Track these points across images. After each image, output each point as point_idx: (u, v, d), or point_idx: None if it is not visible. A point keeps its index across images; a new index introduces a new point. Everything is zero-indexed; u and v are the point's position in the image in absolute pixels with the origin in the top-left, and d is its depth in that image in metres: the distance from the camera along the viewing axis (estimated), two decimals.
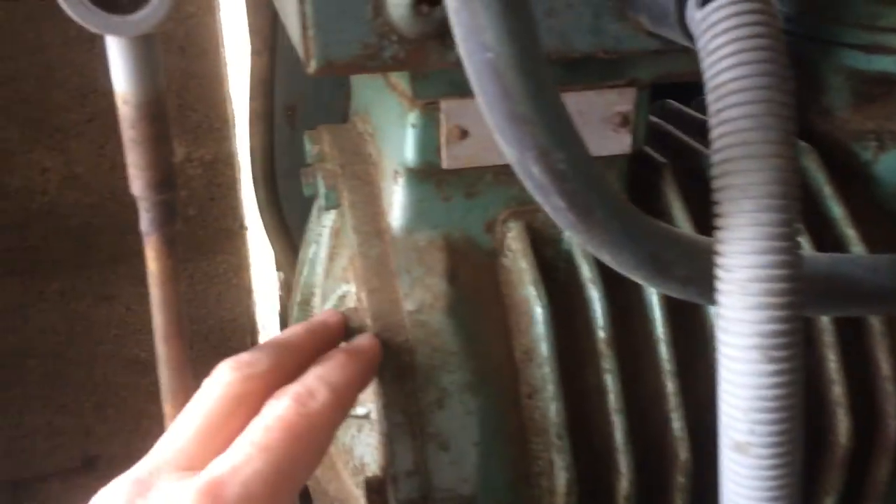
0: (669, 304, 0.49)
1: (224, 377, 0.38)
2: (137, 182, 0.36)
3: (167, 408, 0.41)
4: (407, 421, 0.46)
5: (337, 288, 0.55)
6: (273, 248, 0.92)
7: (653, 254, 0.35)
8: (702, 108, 0.65)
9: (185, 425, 0.37)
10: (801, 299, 0.33)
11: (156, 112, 0.34)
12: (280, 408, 0.37)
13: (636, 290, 0.50)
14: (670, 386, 0.48)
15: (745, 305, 0.33)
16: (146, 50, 0.33)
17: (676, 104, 0.66)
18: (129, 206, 1.29)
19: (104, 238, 1.27)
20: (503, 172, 0.49)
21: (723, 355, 0.34)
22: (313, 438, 0.37)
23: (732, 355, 0.34)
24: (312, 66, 0.39)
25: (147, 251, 0.37)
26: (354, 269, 0.50)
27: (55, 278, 1.28)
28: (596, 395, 0.49)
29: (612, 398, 0.48)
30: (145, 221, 0.37)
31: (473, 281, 0.49)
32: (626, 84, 0.46)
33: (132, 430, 1.42)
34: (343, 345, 0.44)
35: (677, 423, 0.48)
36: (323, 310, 0.58)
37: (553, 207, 0.32)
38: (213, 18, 1.17)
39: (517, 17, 0.27)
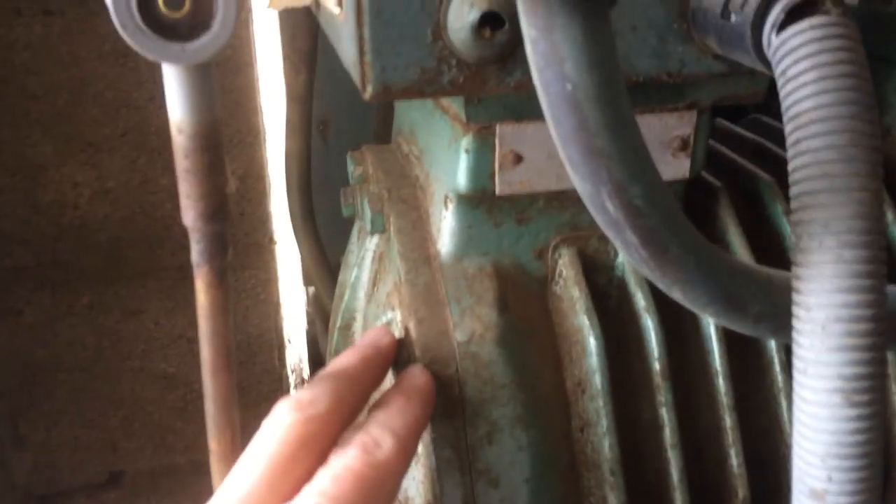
0: (727, 336, 0.47)
1: (285, 418, 0.37)
2: (190, 212, 0.35)
3: (213, 444, 0.40)
4: (456, 456, 0.44)
5: (381, 314, 0.53)
6: (304, 261, 0.91)
7: (727, 291, 0.33)
8: (752, 127, 0.64)
9: (248, 470, 0.36)
10: (886, 339, 0.31)
11: (211, 142, 0.33)
12: (348, 458, 0.36)
13: (691, 320, 0.49)
14: (728, 420, 0.47)
15: (826, 347, 0.31)
16: (203, 78, 0.32)
17: (726, 123, 0.65)
18: (159, 220, 1.29)
19: (133, 253, 1.27)
20: (556, 198, 0.47)
21: (800, 398, 0.33)
22: (381, 488, 0.36)
23: (811, 398, 0.32)
24: (369, 92, 0.38)
25: (197, 283, 0.36)
26: (401, 296, 0.49)
27: (84, 292, 1.28)
28: (650, 429, 0.47)
29: (668, 433, 0.46)
30: (196, 253, 0.36)
31: (524, 309, 0.47)
32: (686, 107, 0.44)
33: (158, 446, 1.41)
34: (398, 382, 0.42)
35: (735, 460, 0.47)
36: None
37: (625, 243, 0.31)
38: (246, 32, 1.16)
39: (599, 46, 0.26)
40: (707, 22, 0.38)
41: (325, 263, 0.83)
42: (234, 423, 0.40)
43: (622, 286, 0.49)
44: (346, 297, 0.58)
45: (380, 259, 0.55)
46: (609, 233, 0.31)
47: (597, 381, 0.46)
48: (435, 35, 0.37)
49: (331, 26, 0.47)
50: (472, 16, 0.36)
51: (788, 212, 0.50)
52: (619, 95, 0.27)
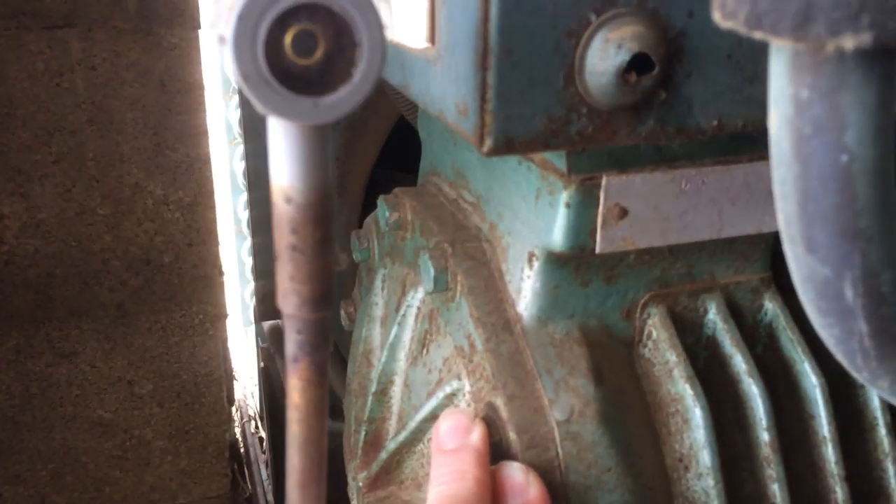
0: (833, 399, 0.44)
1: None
2: (292, 298, 0.28)
3: None
4: None
5: (436, 381, 0.47)
6: None
7: None
8: None
9: None
10: None
11: (325, 213, 0.27)
12: None
13: (787, 381, 0.45)
14: (840, 493, 0.43)
15: None
16: (322, 137, 0.26)
17: None
18: (97, 254, 1.17)
19: (67, 290, 1.15)
20: (647, 252, 0.43)
21: None
22: None
23: None
24: (488, 145, 0.32)
25: (291, 380, 0.29)
26: (474, 365, 0.43)
27: (11, 335, 1.15)
28: None
29: None
30: (294, 345, 0.29)
31: (616, 378, 0.42)
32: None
33: (93, 499, 1.29)
34: (514, 501, 0.36)
35: None
36: (410, 403, 0.51)
37: (847, 332, 0.26)
38: (196, 51, 1.07)
39: (888, 113, 0.21)
40: None
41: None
42: None
43: (712, 346, 0.45)
44: (382, 359, 0.52)
45: (430, 318, 0.49)
46: (826, 320, 0.26)
47: (705, 457, 0.41)
48: (567, 80, 0.32)
49: (392, 58, 0.40)
50: (621, 58, 0.31)
51: None
52: (892, 168, 0.22)
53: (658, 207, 0.40)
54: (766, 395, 0.42)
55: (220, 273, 1.23)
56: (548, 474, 0.39)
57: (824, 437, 0.43)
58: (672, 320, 0.43)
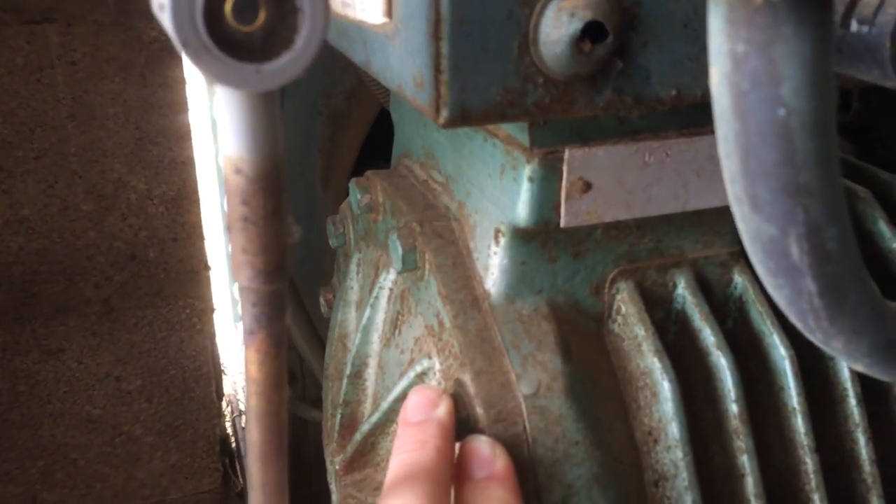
0: (802, 371, 0.44)
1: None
2: (245, 270, 0.28)
3: None
4: None
5: (408, 361, 0.47)
6: None
7: (890, 339, 0.29)
8: None
9: None
10: None
11: (275, 184, 0.27)
12: None
13: (758, 355, 0.45)
14: (810, 463, 0.43)
15: None
16: (270, 105, 0.26)
17: None
18: (81, 249, 1.17)
19: (52, 286, 1.15)
20: (614, 227, 0.43)
21: None
22: None
23: None
24: (444, 116, 0.32)
25: (248, 353, 0.29)
26: (443, 343, 0.43)
27: None
28: (726, 477, 0.43)
29: (751, 482, 0.42)
30: (250, 317, 0.29)
31: (585, 353, 0.42)
32: None
33: (83, 496, 1.28)
34: (476, 480, 0.36)
35: None
36: (384, 385, 0.51)
37: (796, 291, 0.26)
38: (171, 44, 1.07)
39: (825, 64, 0.21)
40: None
41: (296, 295, 0.76)
42: None
43: (681, 321, 0.45)
44: (356, 341, 0.52)
45: (402, 298, 0.49)
46: (775, 280, 0.26)
47: (673, 429, 0.41)
48: (522, 49, 0.32)
49: (354, 37, 0.40)
50: (574, 26, 0.31)
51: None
52: (833, 121, 0.22)
53: (622, 180, 0.40)
54: (734, 367, 0.42)
55: (207, 267, 1.23)
56: (515, 448, 0.39)
57: (794, 409, 0.43)
58: (641, 295, 0.43)
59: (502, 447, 0.38)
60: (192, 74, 1.11)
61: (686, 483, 0.41)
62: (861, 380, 0.45)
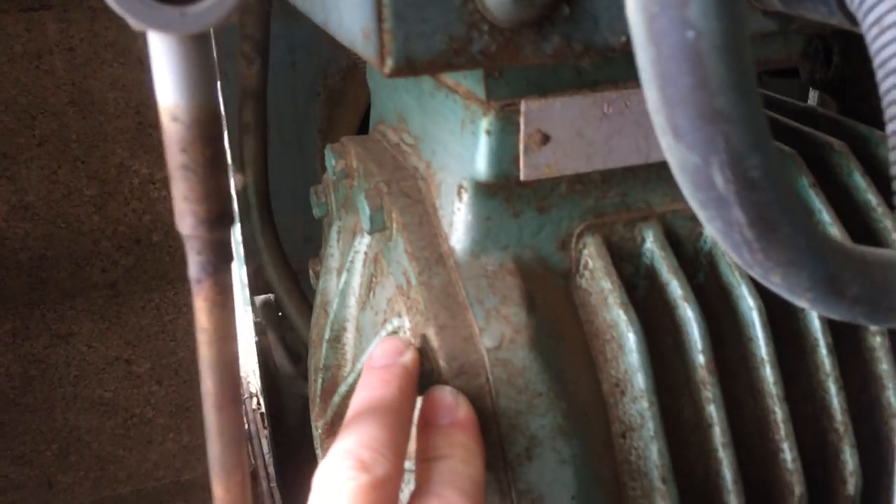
0: (773, 323, 0.44)
1: (349, 484, 0.31)
2: (187, 218, 0.28)
3: (220, 490, 0.33)
4: (494, 477, 0.39)
5: (381, 322, 0.48)
6: (266, 266, 0.84)
7: (830, 274, 0.29)
8: None
9: None
10: None
11: (213, 131, 0.27)
12: None
13: (727, 307, 0.45)
14: (779, 412, 0.43)
15: None
16: (203, 52, 0.26)
17: None
18: (86, 234, 1.19)
19: (59, 271, 1.16)
20: (579, 181, 0.43)
21: None
22: None
23: None
24: (389, 66, 0.32)
25: (197, 302, 0.30)
26: (410, 300, 0.43)
27: (6, 318, 1.17)
28: (696, 428, 0.43)
29: (718, 431, 0.42)
30: (195, 266, 0.29)
31: (551, 307, 0.43)
32: None
33: (98, 478, 1.31)
34: (439, 427, 0.37)
35: (790, 454, 0.43)
36: (361, 347, 0.51)
37: (727, 223, 0.26)
38: None
39: None
40: None
41: (287, 268, 0.77)
42: (244, 464, 0.34)
43: (651, 274, 0.45)
44: (334, 306, 0.52)
45: (375, 261, 0.49)
46: (707, 212, 0.27)
47: (639, 380, 0.41)
48: None
49: None
50: None
51: (814, 184, 0.47)
52: (747, 46, 0.22)
53: (581, 132, 0.40)
54: (700, 318, 0.42)
55: None
56: (478, 400, 0.39)
57: (762, 359, 0.43)
58: (608, 249, 0.44)
59: (465, 397, 0.39)
60: None
61: (652, 433, 0.41)
62: (832, 330, 0.44)
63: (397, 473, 0.33)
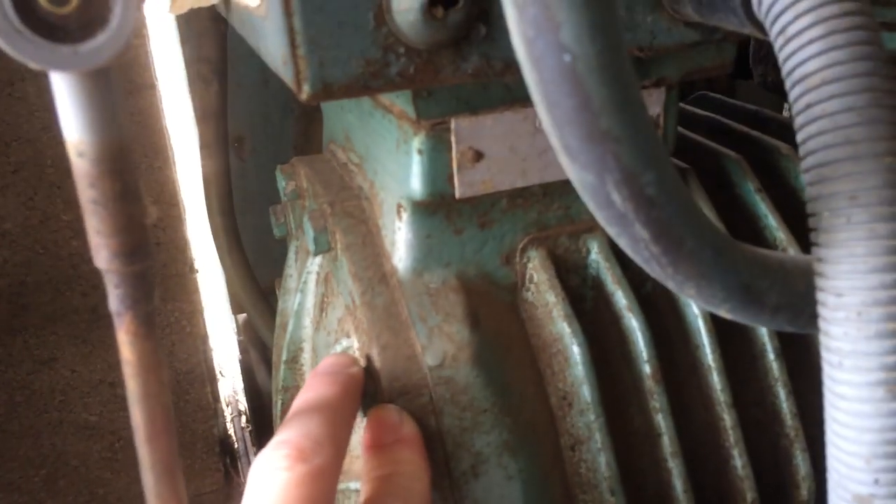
0: (716, 329, 0.44)
1: (284, 477, 0.31)
2: (102, 252, 0.29)
3: None
4: (440, 496, 0.39)
5: (333, 343, 0.48)
6: (233, 287, 0.84)
7: (744, 284, 0.29)
8: (701, 104, 0.61)
9: None
10: None
11: (119, 165, 0.27)
12: None
13: (674, 315, 0.45)
14: (728, 419, 0.43)
15: (863, 334, 0.28)
16: (102, 87, 0.26)
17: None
18: (65, 259, 1.19)
19: (39, 297, 1.16)
20: (520, 195, 0.43)
21: (836, 395, 0.29)
22: None
23: (849, 394, 0.28)
24: (306, 92, 0.32)
25: (119, 335, 0.30)
26: (356, 320, 0.43)
27: None
28: (645, 438, 0.43)
29: (666, 441, 0.42)
30: (115, 299, 0.29)
31: (496, 323, 0.43)
32: (654, 84, 0.40)
33: (88, 502, 1.31)
34: (383, 444, 0.37)
35: (739, 461, 0.43)
36: None
37: (633, 240, 0.27)
38: (144, 51, 1.08)
39: (601, 6, 0.21)
40: None
41: (255, 288, 0.77)
42: (178, 490, 0.34)
43: (597, 285, 0.45)
44: (290, 328, 0.52)
45: (326, 281, 0.49)
46: (612, 229, 0.27)
47: (585, 392, 0.41)
48: (378, 20, 0.32)
49: (248, 24, 0.41)
50: None
51: (760, 189, 0.47)
52: (626, 67, 0.22)
53: (514, 148, 0.40)
54: (645, 328, 0.42)
55: (193, 270, 1.24)
56: (423, 419, 0.39)
57: (710, 366, 0.43)
58: (553, 262, 0.44)
59: (409, 415, 0.39)
60: (162, 80, 1.12)
61: (599, 445, 0.41)
62: (779, 335, 0.44)
63: (336, 466, 0.33)
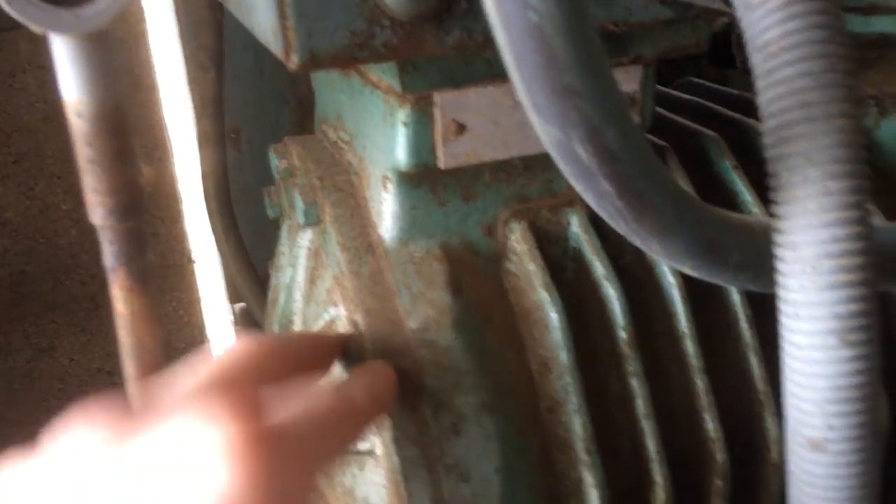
0: (690, 296, 0.45)
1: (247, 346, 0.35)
2: (98, 209, 0.30)
3: None
4: (421, 453, 0.41)
5: (322, 313, 0.50)
6: (231, 277, 0.86)
7: (708, 241, 0.31)
8: (686, 89, 0.63)
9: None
10: (878, 275, 0.30)
11: (117, 125, 0.29)
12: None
13: (651, 284, 0.47)
14: (700, 384, 0.45)
15: (817, 286, 0.29)
16: (101, 49, 0.28)
17: (660, 87, 0.63)
18: (65, 248, 1.20)
19: (39, 286, 1.18)
20: (502, 169, 0.45)
21: (792, 345, 0.31)
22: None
23: (804, 343, 0.30)
24: (294, 62, 0.34)
25: (114, 290, 0.32)
26: (344, 289, 0.45)
27: None
28: (621, 401, 0.45)
29: (640, 403, 0.44)
30: (109, 255, 0.31)
31: (478, 291, 0.44)
32: (631, 62, 0.42)
33: None
34: (360, 371, 0.39)
35: (711, 424, 0.45)
36: None
37: (598, 195, 0.28)
38: (143, 43, 1.10)
39: None
40: None
41: (254, 277, 0.78)
42: None
43: (578, 257, 0.47)
44: (281, 301, 0.54)
45: (316, 255, 0.51)
46: (579, 185, 0.28)
47: (562, 357, 0.43)
48: None
49: (242, 3, 0.43)
50: None
51: (737, 167, 0.48)
52: (589, 27, 0.24)
53: (497, 121, 0.42)
54: (621, 296, 0.44)
55: (190, 261, 1.26)
56: (406, 380, 0.41)
57: (683, 333, 0.45)
58: (534, 234, 0.45)
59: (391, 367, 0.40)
60: (160, 71, 1.14)
61: (575, 407, 0.43)
62: (750, 302, 0.46)
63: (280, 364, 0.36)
